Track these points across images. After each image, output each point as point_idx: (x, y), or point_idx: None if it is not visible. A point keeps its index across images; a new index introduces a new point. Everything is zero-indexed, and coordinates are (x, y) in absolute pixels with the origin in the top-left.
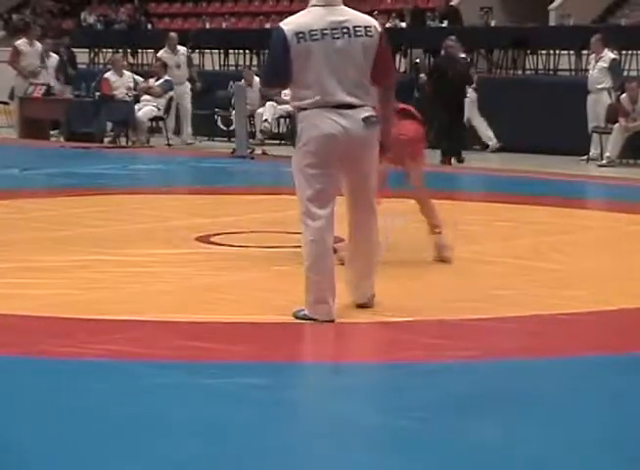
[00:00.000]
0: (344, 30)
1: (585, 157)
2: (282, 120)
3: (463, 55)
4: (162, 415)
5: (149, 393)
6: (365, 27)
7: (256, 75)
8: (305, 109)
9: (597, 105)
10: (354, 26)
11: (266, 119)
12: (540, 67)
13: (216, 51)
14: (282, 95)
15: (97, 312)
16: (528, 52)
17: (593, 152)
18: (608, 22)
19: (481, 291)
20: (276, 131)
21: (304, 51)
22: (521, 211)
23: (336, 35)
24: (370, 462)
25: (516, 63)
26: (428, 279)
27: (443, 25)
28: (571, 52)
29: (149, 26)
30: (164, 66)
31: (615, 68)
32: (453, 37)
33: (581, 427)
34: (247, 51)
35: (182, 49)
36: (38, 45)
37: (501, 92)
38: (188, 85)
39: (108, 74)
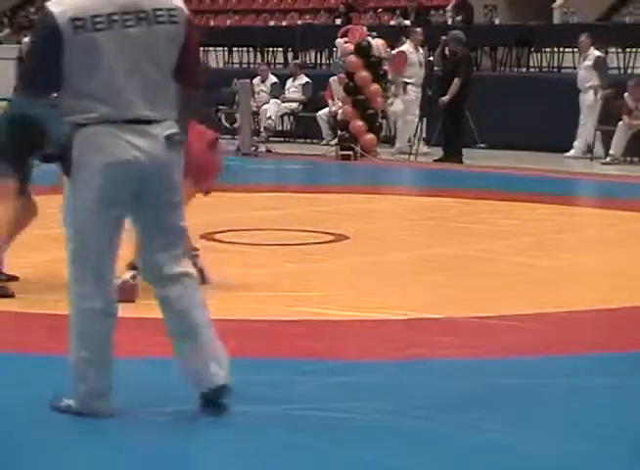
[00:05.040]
0: (141, 15)
1: (589, 155)
2: (286, 118)
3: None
4: (165, 412)
5: (151, 390)
6: (169, 10)
7: (272, 74)
8: (85, 125)
9: (582, 103)
10: (154, 9)
11: (270, 117)
12: (544, 64)
13: (220, 48)
14: (286, 92)
15: None
16: (532, 50)
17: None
18: (612, 20)
19: (485, 289)
20: (280, 129)
21: (86, 45)
22: (524, 208)
23: (128, 22)
24: (374, 461)
25: (520, 61)
26: (430, 277)
27: (449, 23)
28: (575, 50)
29: None
30: None
31: (600, 65)
32: (452, 32)
33: (584, 425)
34: (250, 48)
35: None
36: None
37: (505, 90)
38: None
39: None
